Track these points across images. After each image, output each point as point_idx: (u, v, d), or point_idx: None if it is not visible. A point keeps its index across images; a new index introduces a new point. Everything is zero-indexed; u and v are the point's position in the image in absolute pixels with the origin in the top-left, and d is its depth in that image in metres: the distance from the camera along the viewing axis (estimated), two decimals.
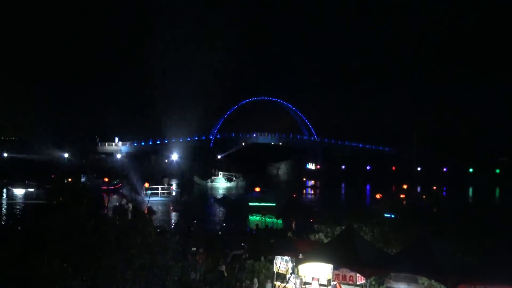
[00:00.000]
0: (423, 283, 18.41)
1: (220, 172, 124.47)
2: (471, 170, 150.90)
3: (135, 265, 15.48)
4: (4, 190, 78.34)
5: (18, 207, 58.85)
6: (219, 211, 65.94)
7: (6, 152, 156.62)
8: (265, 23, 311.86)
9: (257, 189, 69.87)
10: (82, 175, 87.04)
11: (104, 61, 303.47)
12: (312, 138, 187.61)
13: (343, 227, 21.22)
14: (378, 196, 72.04)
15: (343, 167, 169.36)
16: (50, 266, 14.62)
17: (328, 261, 18.38)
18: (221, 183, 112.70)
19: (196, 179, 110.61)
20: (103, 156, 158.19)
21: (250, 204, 59.51)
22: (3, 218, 48.05)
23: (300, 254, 19.78)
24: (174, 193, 79.56)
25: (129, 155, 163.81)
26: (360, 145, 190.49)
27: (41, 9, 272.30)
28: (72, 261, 15.18)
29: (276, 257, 21.13)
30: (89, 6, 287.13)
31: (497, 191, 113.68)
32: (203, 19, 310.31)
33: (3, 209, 60.45)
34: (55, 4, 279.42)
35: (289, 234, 28.14)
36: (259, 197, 66.24)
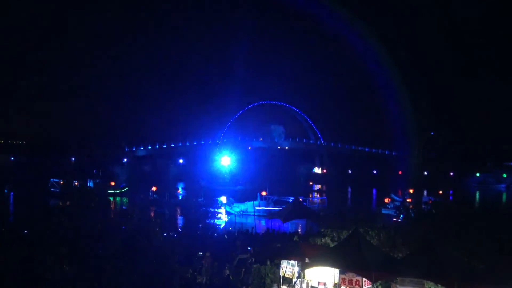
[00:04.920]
0: None
1: (227, 177, 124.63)
2: (477, 174, 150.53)
3: (142, 269, 15.54)
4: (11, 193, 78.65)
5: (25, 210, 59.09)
6: (226, 215, 65.99)
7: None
8: (273, 27, 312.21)
9: (264, 193, 69.91)
10: (89, 179, 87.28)
11: (112, 65, 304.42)
12: (319, 142, 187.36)
13: (349, 231, 21.21)
14: (386, 200, 71.96)
15: (350, 171, 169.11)
16: (56, 269, 14.69)
17: (334, 265, 18.37)
18: (227, 187, 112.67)
19: (203, 182, 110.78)
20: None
21: (256, 208, 59.65)
22: (11, 221, 48.25)
23: (306, 258, 19.79)
24: (180, 197, 79.65)
25: (136, 159, 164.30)
26: (367, 149, 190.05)
27: (64, 14, 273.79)
28: (77, 264, 15.25)
29: (282, 261, 21.14)
30: (97, 16, 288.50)
31: (504, 195, 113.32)
32: (210, 23, 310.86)
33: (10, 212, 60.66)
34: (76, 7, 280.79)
35: (295, 238, 28.14)
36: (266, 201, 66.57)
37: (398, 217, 39.40)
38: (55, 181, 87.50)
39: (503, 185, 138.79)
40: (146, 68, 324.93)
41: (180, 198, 79.03)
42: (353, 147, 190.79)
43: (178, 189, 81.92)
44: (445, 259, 16.09)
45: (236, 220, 53.26)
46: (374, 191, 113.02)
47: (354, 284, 18.23)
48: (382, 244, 22.86)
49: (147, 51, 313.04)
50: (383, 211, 57.81)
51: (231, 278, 21.70)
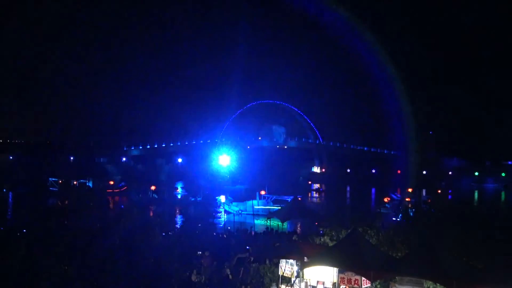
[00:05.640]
0: (428, 287, 18.38)
1: (226, 175, 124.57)
2: (476, 173, 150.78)
3: (141, 268, 15.51)
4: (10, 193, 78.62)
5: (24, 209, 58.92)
6: (225, 214, 65.98)
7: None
8: (273, 26, 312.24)
9: (262, 192, 69.91)
10: (88, 178, 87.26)
11: (109, 65, 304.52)
12: (318, 142, 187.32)
13: (348, 231, 21.20)
14: (386, 200, 72.03)
15: (348, 170, 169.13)
16: (54, 268, 14.65)
17: (333, 265, 18.35)
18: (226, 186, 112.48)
19: (202, 182, 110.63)
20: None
21: (255, 207, 59.63)
22: (9, 220, 48.19)
23: (305, 258, 19.77)
24: (179, 196, 79.62)
25: (135, 159, 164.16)
26: (365, 149, 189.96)
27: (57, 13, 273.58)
28: (75, 264, 15.21)
29: (281, 260, 21.11)
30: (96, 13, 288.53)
31: (503, 194, 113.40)
32: (207, 22, 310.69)
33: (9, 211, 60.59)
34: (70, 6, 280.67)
35: (294, 237, 28.13)
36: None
37: (397, 216, 39.44)
38: (53, 181, 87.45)
39: (496, 184, 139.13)
40: (145, 67, 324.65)
41: (179, 197, 78.98)
42: (352, 147, 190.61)
43: (177, 188, 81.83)
44: (444, 259, 16.08)
45: (235, 220, 53.26)
46: (373, 190, 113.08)
47: (353, 283, 18.22)
48: (381, 243, 22.85)
49: (146, 50, 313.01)
50: (382, 210, 57.83)
51: (230, 277, 21.68)
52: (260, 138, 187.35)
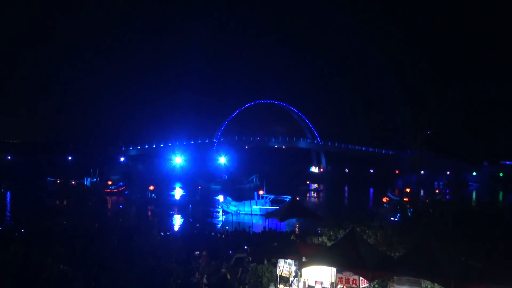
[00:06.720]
0: (426, 287, 18.39)
1: (225, 175, 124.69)
2: (474, 173, 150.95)
3: (139, 268, 15.50)
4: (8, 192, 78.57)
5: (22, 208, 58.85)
6: (223, 214, 66.02)
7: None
8: (270, 27, 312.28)
9: (261, 192, 70.01)
10: (86, 178, 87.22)
11: (108, 64, 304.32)
12: (316, 142, 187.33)
13: (346, 230, 21.19)
14: (384, 199, 72.06)
15: (347, 170, 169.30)
16: (53, 268, 14.64)
17: (332, 264, 18.35)
18: (225, 186, 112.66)
19: (200, 181, 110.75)
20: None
21: (253, 207, 59.68)
22: (7, 220, 48.12)
23: (304, 257, 19.79)
24: (178, 196, 79.62)
25: (133, 158, 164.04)
26: (363, 148, 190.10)
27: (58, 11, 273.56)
28: (75, 264, 15.20)
29: (279, 260, 21.11)
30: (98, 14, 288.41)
31: (501, 194, 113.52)
32: (206, 22, 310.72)
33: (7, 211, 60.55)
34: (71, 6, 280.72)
35: (293, 237, 28.14)
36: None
37: (395, 216, 39.41)
38: (52, 180, 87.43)
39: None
40: (143, 68, 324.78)
41: (177, 197, 78.95)
42: (350, 146, 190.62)
43: (175, 188, 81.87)
44: (442, 258, 16.09)
45: (233, 219, 53.29)
46: (371, 190, 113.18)
47: (351, 283, 18.23)
48: (379, 243, 22.84)
49: (144, 50, 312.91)
50: (380, 210, 57.85)
51: (228, 277, 21.69)
52: (258, 138, 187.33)
